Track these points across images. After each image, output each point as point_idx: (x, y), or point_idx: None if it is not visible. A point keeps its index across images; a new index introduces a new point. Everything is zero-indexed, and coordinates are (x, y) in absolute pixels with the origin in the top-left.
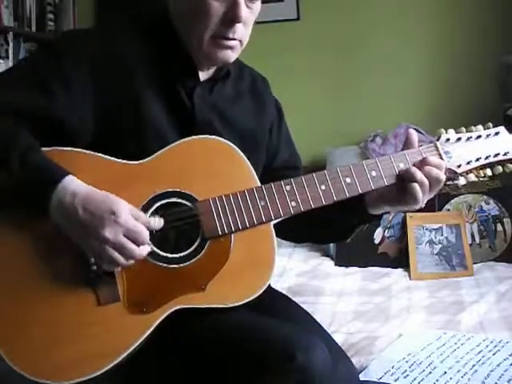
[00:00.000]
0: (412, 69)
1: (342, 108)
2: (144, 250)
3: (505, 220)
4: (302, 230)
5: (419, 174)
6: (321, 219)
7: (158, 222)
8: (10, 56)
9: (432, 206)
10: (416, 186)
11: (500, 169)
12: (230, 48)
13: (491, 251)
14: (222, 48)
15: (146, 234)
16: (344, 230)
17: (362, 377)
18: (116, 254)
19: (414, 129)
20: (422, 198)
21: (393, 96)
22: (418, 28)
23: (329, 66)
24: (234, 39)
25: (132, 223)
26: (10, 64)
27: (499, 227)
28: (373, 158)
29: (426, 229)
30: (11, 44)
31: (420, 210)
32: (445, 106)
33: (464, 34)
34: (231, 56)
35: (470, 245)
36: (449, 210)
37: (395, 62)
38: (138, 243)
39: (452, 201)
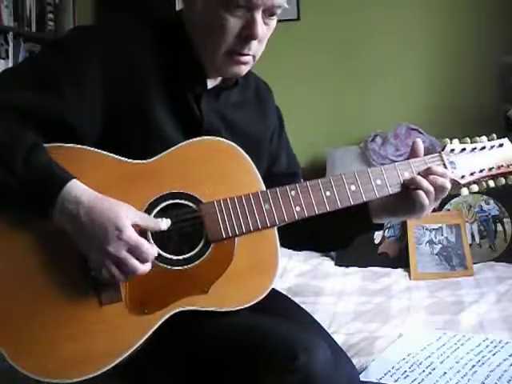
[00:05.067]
0: (412, 69)
1: (342, 108)
2: (146, 267)
3: (505, 220)
4: (303, 236)
5: (425, 182)
6: (322, 226)
7: (164, 223)
8: (10, 56)
9: None
10: (422, 193)
11: (503, 180)
12: (243, 63)
13: (491, 251)
14: (235, 64)
15: (150, 250)
16: (345, 237)
17: (361, 377)
18: (115, 270)
19: (414, 129)
20: (428, 206)
21: (393, 96)
22: (417, 28)
23: (329, 65)
24: (248, 55)
25: (135, 239)
26: (10, 64)
27: (499, 227)
28: (373, 158)
29: (426, 229)
30: (11, 44)
31: None
32: (445, 106)
33: (464, 34)
34: (243, 71)
35: (470, 245)
36: (449, 210)
37: (395, 62)
38: (140, 260)
39: (452, 201)
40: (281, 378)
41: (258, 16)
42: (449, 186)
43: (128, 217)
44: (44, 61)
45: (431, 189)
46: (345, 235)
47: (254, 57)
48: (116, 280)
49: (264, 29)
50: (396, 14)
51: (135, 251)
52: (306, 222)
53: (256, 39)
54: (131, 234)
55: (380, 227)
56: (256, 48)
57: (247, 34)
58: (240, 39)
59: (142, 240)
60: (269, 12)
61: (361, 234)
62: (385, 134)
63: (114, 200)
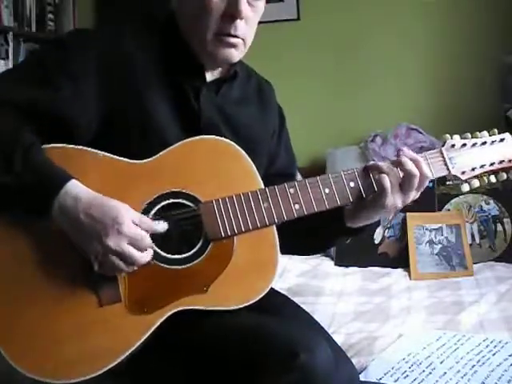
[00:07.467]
0: (412, 69)
1: (342, 108)
2: (146, 256)
3: (505, 220)
4: (288, 240)
5: (385, 165)
6: (295, 228)
7: (161, 226)
8: (10, 56)
9: (432, 206)
10: (384, 176)
11: (504, 176)
12: (233, 46)
13: (491, 251)
14: (224, 46)
15: (148, 240)
16: (318, 241)
17: (361, 377)
18: (119, 262)
19: (414, 129)
20: (391, 194)
21: (393, 96)
22: (418, 28)
23: (329, 65)
24: (237, 37)
25: (134, 231)
26: (10, 64)
27: (499, 227)
28: (373, 158)
29: (426, 229)
30: (11, 44)
31: (420, 210)
32: (445, 106)
33: (464, 34)
34: (234, 55)
35: (470, 245)
36: (449, 210)
37: (395, 62)
38: (140, 249)
39: (452, 201)
40: (282, 377)
41: None
42: (416, 171)
43: (127, 212)
44: (43, 58)
45: (393, 169)
46: (318, 238)
47: (243, 40)
48: (120, 271)
49: (248, 10)
50: (396, 14)
51: (134, 242)
52: (290, 227)
53: (240, 18)
54: (129, 225)
55: (356, 232)
56: (243, 29)
57: (231, 12)
58: (225, 19)
59: (139, 230)
60: None
61: (335, 238)
62: (385, 134)
63: (113, 200)
